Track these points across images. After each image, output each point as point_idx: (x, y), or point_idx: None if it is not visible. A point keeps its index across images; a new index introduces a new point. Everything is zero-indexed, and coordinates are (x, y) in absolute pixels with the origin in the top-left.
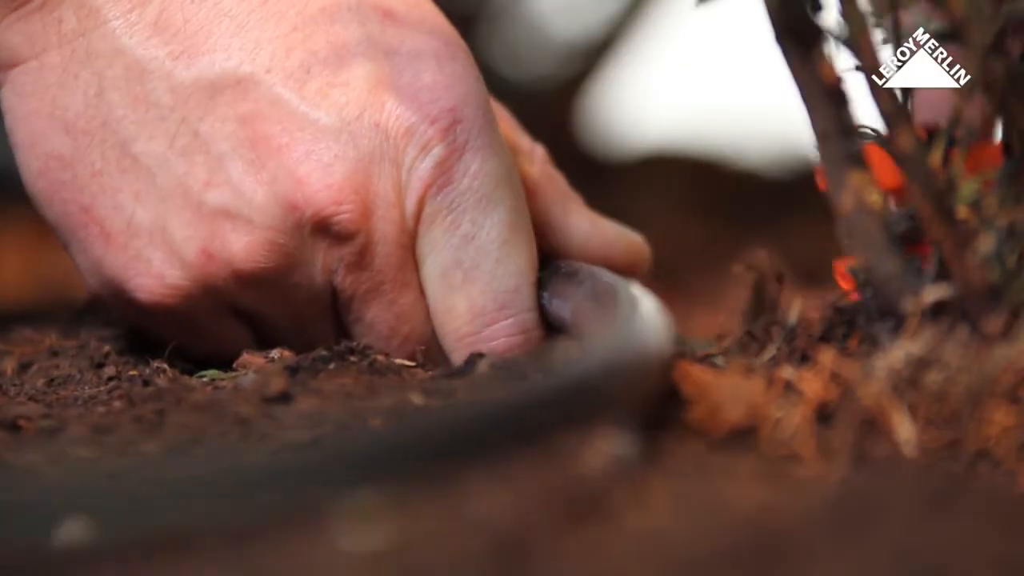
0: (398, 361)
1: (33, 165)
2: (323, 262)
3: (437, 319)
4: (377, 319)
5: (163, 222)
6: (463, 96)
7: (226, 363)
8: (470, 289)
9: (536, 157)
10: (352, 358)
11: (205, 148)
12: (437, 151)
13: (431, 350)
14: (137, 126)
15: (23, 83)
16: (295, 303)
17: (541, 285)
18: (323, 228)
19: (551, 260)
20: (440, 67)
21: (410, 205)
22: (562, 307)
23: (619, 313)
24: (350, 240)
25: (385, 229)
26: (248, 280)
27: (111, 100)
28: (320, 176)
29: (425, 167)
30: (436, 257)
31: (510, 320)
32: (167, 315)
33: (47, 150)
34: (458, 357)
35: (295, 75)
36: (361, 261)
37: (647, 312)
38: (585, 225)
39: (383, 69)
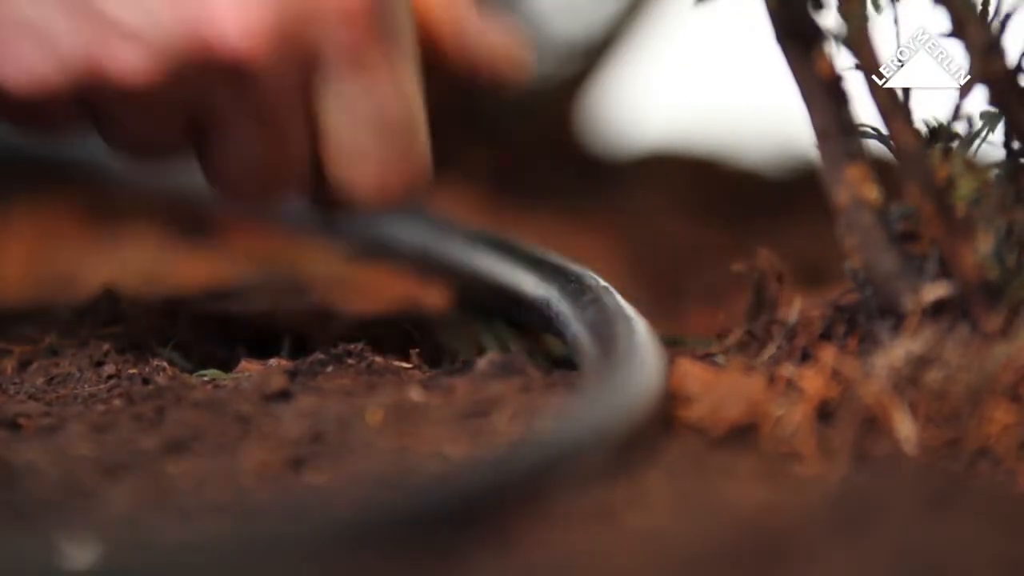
0: (395, 363)
1: None
2: (208, 84)
3: (342, 159)
4: (252, 141)
5: (49, 17)
6: None
7: None
8: (384, 133)
9: None
10: (350, 360)
11: None
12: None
13: (292, 178)
14: None
15: None
16: (159, 113)
17: (548, 295)
18: (221, 57)
19: (564, 268)
20: None
21: (323, 44)
22: (564, 327)
23: (614, 366)
24: (245, 70)
25: (287, 64)
26: (124, 91)
27: None
28: (231, 6)
29: (347, 14)
30: (353, 103)
31: (412, 163)
32: (27, 107)
33: None
34: (353, 192)
35: None
36: (247, 88)
37: (642, 359)
38: (474, 29)
39: None
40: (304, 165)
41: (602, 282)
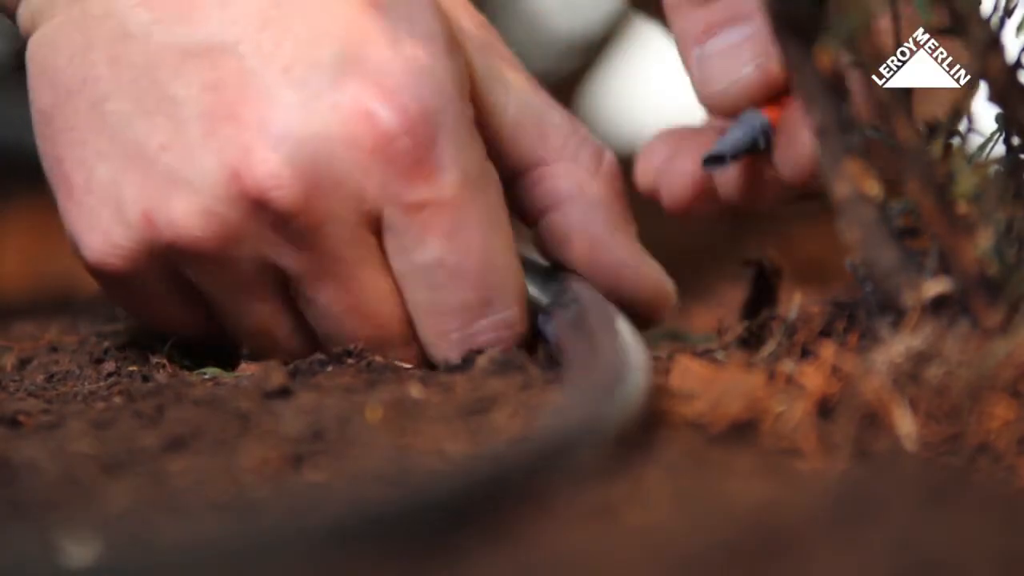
0: (396, 362)
1: (33, 120)
2: (265, 236)
3: (419, 316)
4: (331, 301)
5: (118, 181)
6: (434, 87)
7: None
8: (456, 286)
9: (602, 167)
10: (349, 360)
11: (168, 111)
12: (403, 141)
13: (391, 335)
14: (112, 85)
15: (33, 46)
16: (237, 280)
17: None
18: (262, 202)
19: (544, 267)
20: (415, 56)
21: (371, 190)
22: (545, 322)
23: (596, 363)
24: (292, 218)
25: (336, 210)
26: (187, 249)
27: (93, 59)
28: (265, 148)
29: (390, 155)
30: (416, 255)
31: (497, 316)
32: (116, 279)
33: (38, 107)
34: (438, 351)
35: (265, 48)
36: (305, 241)
37: (624, 358)
38: (623, 252)
39: (354, 52)
40: (400, 324)
41: (583, 281)
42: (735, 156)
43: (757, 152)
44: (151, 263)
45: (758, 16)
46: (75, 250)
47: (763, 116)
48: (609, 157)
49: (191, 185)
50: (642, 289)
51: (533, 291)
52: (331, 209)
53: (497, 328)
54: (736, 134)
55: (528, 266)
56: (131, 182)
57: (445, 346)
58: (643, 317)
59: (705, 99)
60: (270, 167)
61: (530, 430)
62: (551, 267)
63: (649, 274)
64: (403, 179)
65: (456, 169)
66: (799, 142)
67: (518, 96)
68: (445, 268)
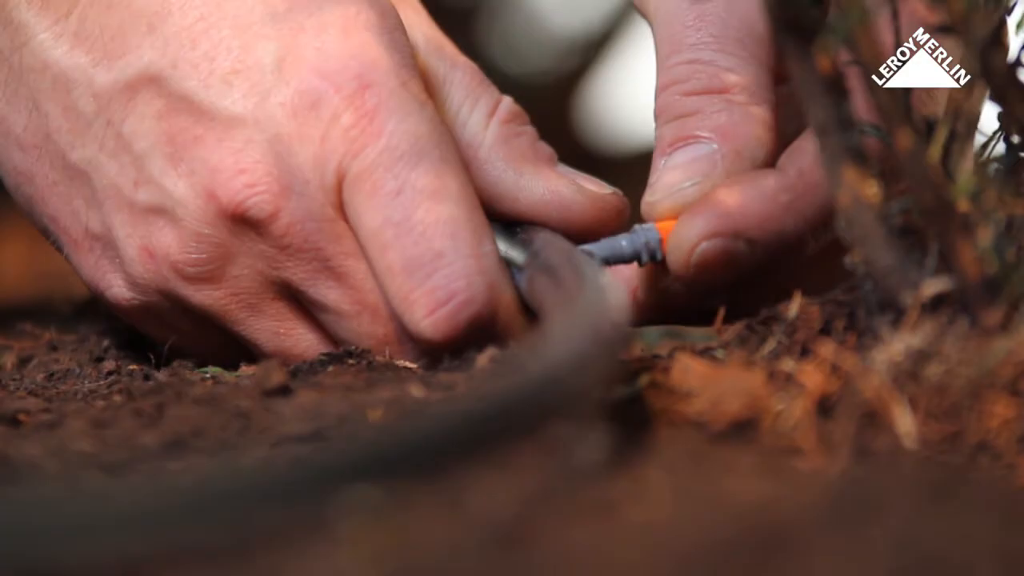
0: (397, 362)
1: (8, 183)
2: (257, 250)
3: (381, 283)
4: (338, 300)
5: (110, 224)
6: (370, 61)
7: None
8: (403, 242)
9: (495, 116)
10: (350, 360)
11: (128, 148)
12: (346, 117)
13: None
14: (71, 135)
15: None
16: (246, 299)
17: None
18: (243, 214)
19: (514, 226)
20: (347, 36)
21: (328, 177)
22: (518, 277)
23: (565, 299)
24: (272, 222)
25: (306, 205)
26: (189, 276)
27: (47, 112)
28: (232, 163)
29: (336, 135)
30: (365, 219)
31: (450, 268)
32: (143, 317)
33: (11, 168)
34: (411, 318)
35: (200, 66)
36: (292, 242)
37: (589, 298)
38: (537, 188)
39: (287, 47)
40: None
41: (543, 229)
42: (607, 261)
43: (640, 264)
44: (167, 294)
45: (717, 137)
46: (97, 296)
47: (656, 233)
48: (505, 102)
49: (174, 214)
50: (576, 211)
51: (503, 248)
52: (306, 207)
53: (454, 279)
54: (620, 242)
55: (494, 227)
56: (122, 223)
57: (412, 312)
58: (598, 231)
59: (642, 206)
60: (240, 182)
61: (517, 368)
62: (513, 223)
63: (574, 196)
64: (351, 153)
65: (399, 133)
66: (684, 238)
67: (424, 59)
68: (392, 226)
